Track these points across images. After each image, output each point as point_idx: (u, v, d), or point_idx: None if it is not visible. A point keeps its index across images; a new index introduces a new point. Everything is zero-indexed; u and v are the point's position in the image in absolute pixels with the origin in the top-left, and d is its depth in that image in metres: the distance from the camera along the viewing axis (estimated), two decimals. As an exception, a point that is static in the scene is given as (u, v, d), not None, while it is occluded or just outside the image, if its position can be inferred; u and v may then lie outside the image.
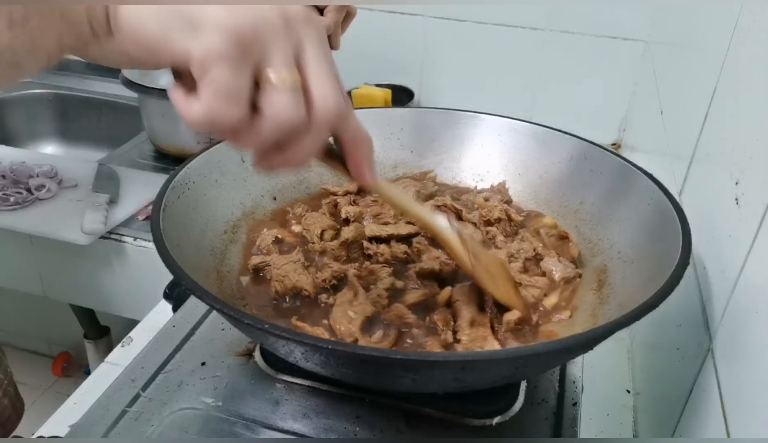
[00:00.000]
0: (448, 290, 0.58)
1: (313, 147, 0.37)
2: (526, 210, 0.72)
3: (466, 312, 0.54)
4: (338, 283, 0.59)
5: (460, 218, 0.68)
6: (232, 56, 0.33)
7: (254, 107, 0.35)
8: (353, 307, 0.54)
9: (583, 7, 1.17)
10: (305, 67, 0.35)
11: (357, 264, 0.62)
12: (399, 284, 0.59)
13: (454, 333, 0.54)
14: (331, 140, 0.43)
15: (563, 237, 0.66)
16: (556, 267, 0.61)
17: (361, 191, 0.72)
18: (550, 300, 0.59)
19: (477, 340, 0.53)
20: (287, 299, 0.58)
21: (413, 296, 0.58)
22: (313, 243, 0.64)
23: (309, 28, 0.36)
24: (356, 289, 0.56)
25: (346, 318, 0.53)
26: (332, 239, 0.65)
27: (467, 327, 0.53)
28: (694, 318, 0.53)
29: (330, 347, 0.42)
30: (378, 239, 0.64)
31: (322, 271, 0.60)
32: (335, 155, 0.43)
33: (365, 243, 0.63)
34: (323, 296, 0.58)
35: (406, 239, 0.64)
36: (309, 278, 0.58)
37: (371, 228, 0.64)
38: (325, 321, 0.56)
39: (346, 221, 0.67)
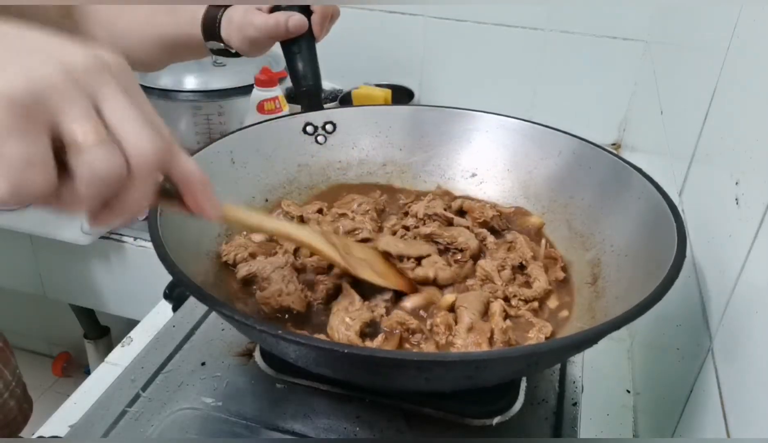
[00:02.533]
0: (452, 296, 0.58)
1: (142, 194, 0.35)
2: (513, 207, 0.72)
3: (467, 318, 0.55)
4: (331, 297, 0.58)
5: (451, 224, 0.67)
6: (13, 127, 0.30)
7: (68, 169, 0.32)
8: (350, 313, 0.54)
9: (583, 7, 1.17)
10: (110, 118, 0.33)
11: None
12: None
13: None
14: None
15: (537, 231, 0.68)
16: (540, 276, 0.60)
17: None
18: (553, 302, 0.60)
19: (470, 346, 0.53)
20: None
21: (414, 300, 0.58)
22: (292, 256, 0.62)
23: (104, 75, 0.33)
24: (352, 297, 0.56)
25: (344, 325, 0.53)
26: (311, 254, 0.62)
27: (464, 332, 0.53)
28: (694, 318, 0.53)
29: (345, 350, 0.43)
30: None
31: (315, 291, 0.58)
32: (172, 194, 0.40)
33: None
34: (318, 308, 0.57)
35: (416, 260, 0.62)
36: (298, 291, 0.57)
37: (387, 241, 0.62)
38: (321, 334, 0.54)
39: None
